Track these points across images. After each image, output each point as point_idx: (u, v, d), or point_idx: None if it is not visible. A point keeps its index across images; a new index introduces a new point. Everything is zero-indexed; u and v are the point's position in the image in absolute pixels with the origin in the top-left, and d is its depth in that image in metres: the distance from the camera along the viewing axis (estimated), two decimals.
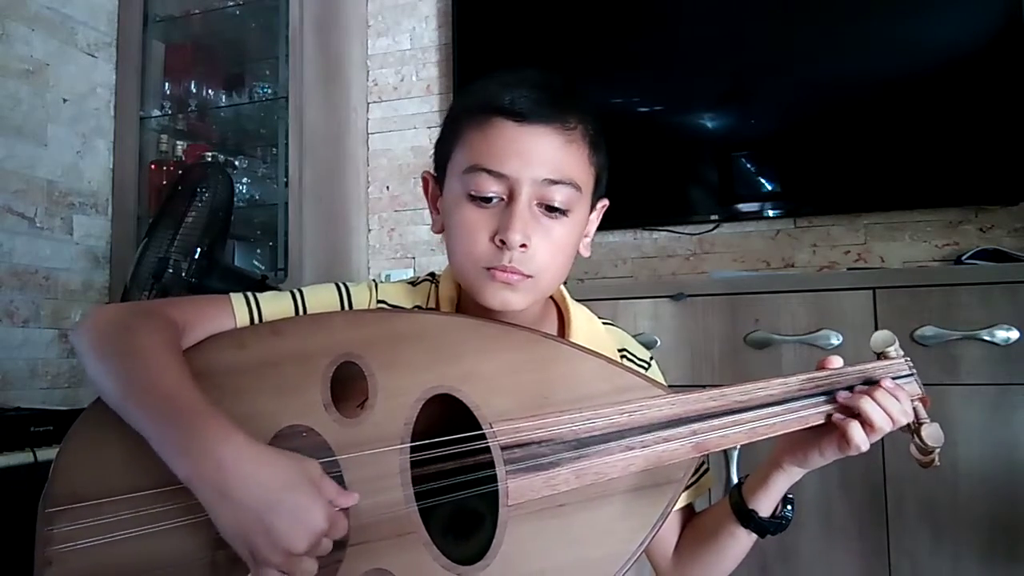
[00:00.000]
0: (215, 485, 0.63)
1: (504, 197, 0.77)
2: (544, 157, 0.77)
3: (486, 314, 0.81)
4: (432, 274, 0.91)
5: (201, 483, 0.64)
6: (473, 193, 0.78)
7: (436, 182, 0.86)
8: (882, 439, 0.78)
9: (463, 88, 0.84)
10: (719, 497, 0.89)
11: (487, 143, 0.77)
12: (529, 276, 0.78)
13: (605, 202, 0.87)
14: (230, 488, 0.63)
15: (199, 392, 0.68)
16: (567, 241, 0.80)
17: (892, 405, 0.77)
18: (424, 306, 0.88)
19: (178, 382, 0.68)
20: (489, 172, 0.77)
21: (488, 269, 0.78)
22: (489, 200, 0.77)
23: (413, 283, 0.90)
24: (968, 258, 1.79)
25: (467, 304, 0.85)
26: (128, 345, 0.70)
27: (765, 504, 0.83)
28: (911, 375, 0.82)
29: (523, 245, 0.76)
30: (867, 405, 0.77)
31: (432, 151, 0.88)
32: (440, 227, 0.84)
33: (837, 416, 0.78)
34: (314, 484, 0.66)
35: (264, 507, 0.63)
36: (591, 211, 0.85)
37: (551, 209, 0.78)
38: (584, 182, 0.80)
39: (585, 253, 0.86)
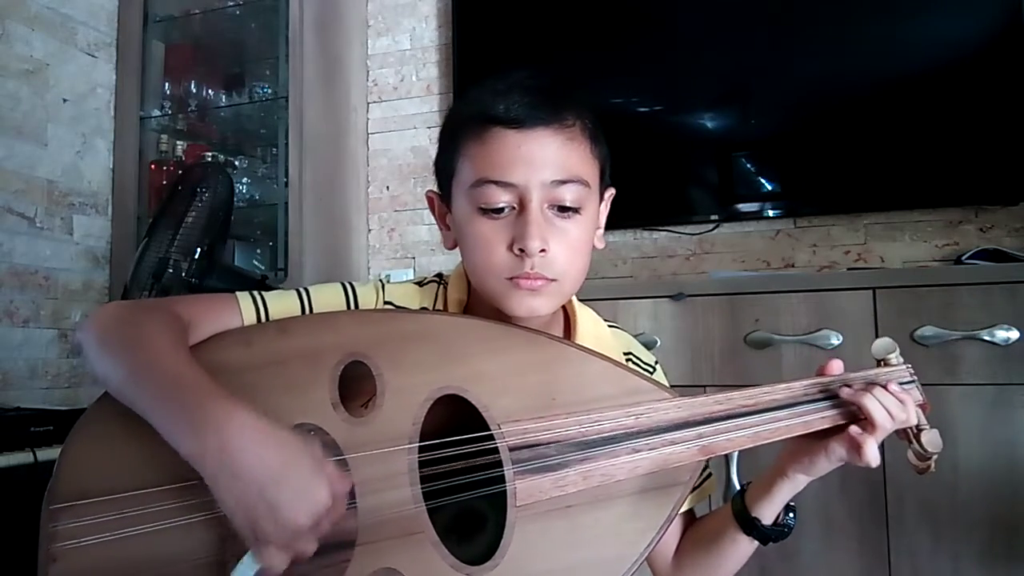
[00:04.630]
0: (219, 461, 0.62)
1: (515, 205, 0.77)
2: (548, 159, 0.77)
3: (495, 317, 0.81)
4: (440, 275, 0.91)
5: (205, 459, 0.63)
6: (483, 206, 0.78)
7: (442, 200, 0.86)
8: (882, 442, 0.78)
9: (455, 101, 0.84)
10: (718, 502, 0.90)
11: (490, 155, 0.77)
12: (553, 280, 0.78)
13: (612, 191, 0.88)
14: (234, 463, 0.62)
15: (202, 372, 0.67)
16: (583, 240, 0.80)
17: (893, 404, 0.78)
18: (431, 307, 0.87)
19: (181, 363, 0.67)
20: (497, 183, 0.77)
21: (511, 279, 0.78)
22: (500, 211, 0.77)
23: (420, 283, 0.90)
24: (968, 258, 1.80)
25: (476, 306, 0.85)
26: (133, 337, 0.70)
27: (768, 512, 0.84)
28: (912, 382, 0.83)
29: (542, 250, 0.76)
30: (869, 402, 0.77)
31: (433, 167, 0.88)
32: (452, 243, 0.84)
33: (854, 429, 0.78)
34: (317, 461, 0.65)
35: (268, 481, 0.62)
36: (600, 203, 0.85)
37: (563, 209, 0.78)
38: (590, 177, 0.81)
39: (600, 245, 0.86)
